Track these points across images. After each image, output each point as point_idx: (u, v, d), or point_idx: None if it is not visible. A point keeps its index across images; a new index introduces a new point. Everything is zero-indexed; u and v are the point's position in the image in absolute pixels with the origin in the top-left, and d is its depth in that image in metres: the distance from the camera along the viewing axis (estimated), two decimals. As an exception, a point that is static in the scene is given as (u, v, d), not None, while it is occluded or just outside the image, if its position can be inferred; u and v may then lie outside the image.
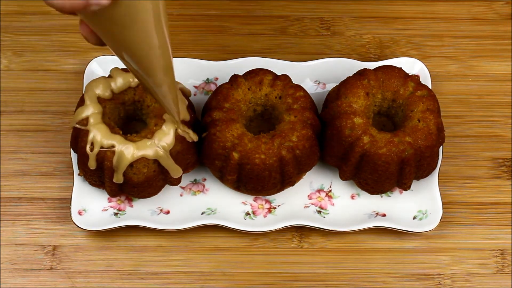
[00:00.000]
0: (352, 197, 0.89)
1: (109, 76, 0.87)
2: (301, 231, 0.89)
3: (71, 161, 0.89)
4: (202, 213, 0.87)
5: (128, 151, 0.82)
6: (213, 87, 0.94)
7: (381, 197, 0.89)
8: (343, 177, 0.87)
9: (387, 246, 0.88)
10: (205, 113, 0.87)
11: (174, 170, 0.84)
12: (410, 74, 0.88)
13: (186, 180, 0.89)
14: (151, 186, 0.85)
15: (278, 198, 0.89)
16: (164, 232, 0.88)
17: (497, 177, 0.91)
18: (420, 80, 0.89)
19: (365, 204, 0.89)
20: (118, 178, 0.83)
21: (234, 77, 0.87)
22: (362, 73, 0.87)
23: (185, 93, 0.88)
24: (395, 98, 0.86)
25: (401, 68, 0.88)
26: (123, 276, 0.87)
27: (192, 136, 0.84)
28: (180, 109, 0.82)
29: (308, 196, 0.89)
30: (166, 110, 0.80)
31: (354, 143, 0.83)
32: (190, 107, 0.87)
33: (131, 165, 0.82)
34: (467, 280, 0.87)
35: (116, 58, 0.93)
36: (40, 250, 0.88)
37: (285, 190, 0.88)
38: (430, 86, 0.91)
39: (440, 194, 0.87)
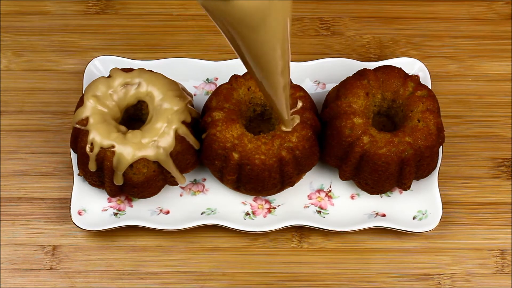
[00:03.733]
0: (352, 197, 0.89)
1: (109, 76, 0.87)
2: (301, 231, 0.89)
3: (71, 161, 0.89)
4: (202, 213, 0.87)
5: (128, 152, 0.82)
6: (213, 87, 0.94)
7: (381, 197, 0.89)
8: (343, 177, 0.87)
9: (387, 246, 0.88)
10: (205, 113, 0.87)
11: (176, 174, 0.85)
12: (410, 74, 0.88)
13: (186, 180, 0.89)
14: (151, 186, 0.85)
15: (278, 198, 0.89)
16: (164, 232, 0.88)
17: (497, 177, 0.91)
18: (420, 80, 0.89)
19: (365, 204, 0.89)
20: (118, 180, 0.83)
21: (234, 77, 0.87)
22: (362, 73, 0.87)
23: (188, 95, 0.88)
24: (395, 98, 0.86)
25: (401, 68, 0.88)
26: (123, 276, 0.87)
27: (193, 143, 0.85)
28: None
29: (308, 196, 0.89)
30: (276, 110, 0.80)
31: (354, 143, 0.83)
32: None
33: (130, 165, 0.82)
34: (467, 280, 0.87)
35: (115, 58, 0.93)
36: (39, 250, 0.88)
37: (285, 190, 0.88)
38: (430, 86, 0.91)
39: (440, 194, 0.87)
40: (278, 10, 0.66)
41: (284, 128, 0.84)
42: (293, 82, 0.88)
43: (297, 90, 0.86)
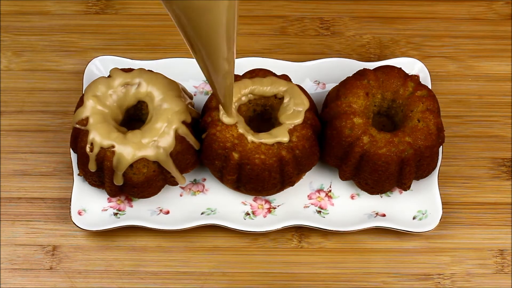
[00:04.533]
0: (352, 197, 0.89)
1: (109, 76, 0.87)
2: (301, 231, 0.89)
3: (71, 161, 0.89)
4: (202, 213, 0.87)
5: (128, 152, 0.82)
6: (213, 87, 0.94)
7: (381, 197, 0.89)
8: (343, 177, 0.87)
9: (387, 246, 0.88)
10: (205, 113, 0.87)
11: (176, 174, 0.85)
12: (410, 74, 0.88)
13: (186, 180, 0.89)
14: (151, 186, 0.85)
15: (278, 198, 0.89)
16: (163, 232, 0.88)
17: (497, 177, 0.91)
18: (420, 80, 0.89)
19: (365, 204, 0.89)
20: (118, 180, 0.83)
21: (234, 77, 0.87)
22: (362, 73, 0.87)
23: (188, 95, 0.88)
24: (395, 98, 0.86)
25: (401, 68, 0.88)
26: (122, 276, 0.87)
27: (193, 143, 0.85)
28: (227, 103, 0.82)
29: (308, 196, 0.89)
30: (219, 98, 0.79)
31: (354, 143, 0.83)
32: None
33: (130, 165, 0.82)
34: (467, 280, 0.87)
35: (115, 58, 0.93)
36: (39, 250, 0.88)
37: (285, 190, 0.88)
38: (430, 86, 0.91)
39: (440, 194, 0.87)
40: None
41: (224, 119, 0.83)
42: (293, 82, 0.88)
43: (297, 90, 0.86)
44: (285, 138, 0.83)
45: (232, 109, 0.82)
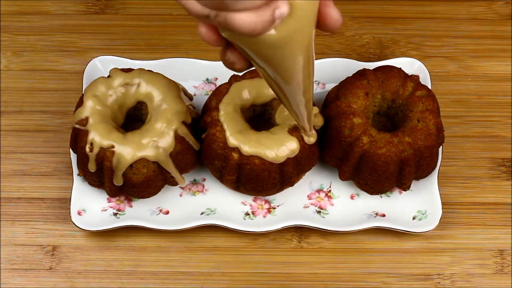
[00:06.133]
0: (352, 197, 0.89)
1: (109, 77, 0.87)
2: (300, 231, 0.89)
3: (71, 161, 0.89)
4: (202, 213, 0.87)
5: (128, 152, 0.82)
6: (213, 87, 0.94)
7: (381, 197, 0.89)
8: (343, 177, 0.87)
9: (386, 246, 0.88)
10: (204, 113, 0.87)
11: (176, 175, 0.85)
12: (409, 74, 0.88)
13: (185, 180, 0.89)
14: (151, 186, 0.85)
15: (277, 198, 0.89)
16: (163, 232, 0.88)
17: (496, 177, 0.91)
18: (420, 80, 0.89)
19: (364, 204, 0.89)
20: (118, 180, 0.83)
21: (234, 77, 0.87)
22: (361, 73, 0.87)
23: (188, 96, 0.88)
24: (394, 98, 0.86)
25: (400, 68, 0.88)
26: (122, 276, 0.87)
27: (193, 144, 0.85)
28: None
29: (308, 196, 0.89)
30: (300, 123, 0.79)
31: (354, 143, 0.83)
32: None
33: (130, 165, 0.82)
34: (467, 280, 0.87)
35: (115, 58, 0.93)
36: (39, 250, 0.88)
37: (284, 190, 0.88)
38: (429, 86, 0.91)
39: (440, 194, 0.87)
40: (301, 37, 0.65)
41: (306, 139, 0.83)
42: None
43: (296, 90, 0.86)
44: (294, 145, 0.82)
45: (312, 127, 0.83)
